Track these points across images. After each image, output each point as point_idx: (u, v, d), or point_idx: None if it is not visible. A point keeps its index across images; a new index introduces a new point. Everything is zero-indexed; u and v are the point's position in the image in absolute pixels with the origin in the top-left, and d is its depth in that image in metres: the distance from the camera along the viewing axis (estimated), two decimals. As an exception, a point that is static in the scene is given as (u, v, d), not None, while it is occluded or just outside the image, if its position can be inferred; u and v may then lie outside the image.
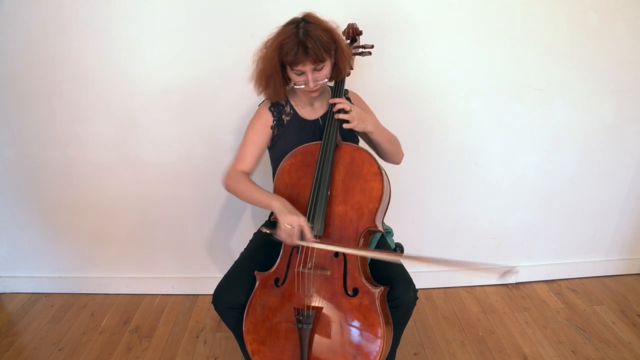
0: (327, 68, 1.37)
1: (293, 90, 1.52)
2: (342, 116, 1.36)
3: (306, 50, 1.29)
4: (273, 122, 1.51)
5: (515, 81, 1.98)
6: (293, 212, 1.29)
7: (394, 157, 1.55)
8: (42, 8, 1.80)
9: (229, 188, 1.47)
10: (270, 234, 1.33)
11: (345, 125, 1.37)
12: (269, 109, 1.51)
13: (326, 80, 1.40)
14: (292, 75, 1.38)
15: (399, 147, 1.55)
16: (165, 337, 2.00)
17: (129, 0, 1.80)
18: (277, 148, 1.52)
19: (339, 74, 1.46)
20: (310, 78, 1.35)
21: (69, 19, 1.82)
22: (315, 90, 1.41)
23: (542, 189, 2.18)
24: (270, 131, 1.51)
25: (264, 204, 1.38)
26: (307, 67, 1.33)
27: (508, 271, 1.13)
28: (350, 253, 1.30)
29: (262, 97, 1.54)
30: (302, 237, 1.27)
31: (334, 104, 1.38)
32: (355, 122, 1.36)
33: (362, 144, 1.53)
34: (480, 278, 2.30)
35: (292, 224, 1.26)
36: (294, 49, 1.29)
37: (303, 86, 1.39)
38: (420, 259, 1.30)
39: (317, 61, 1.32)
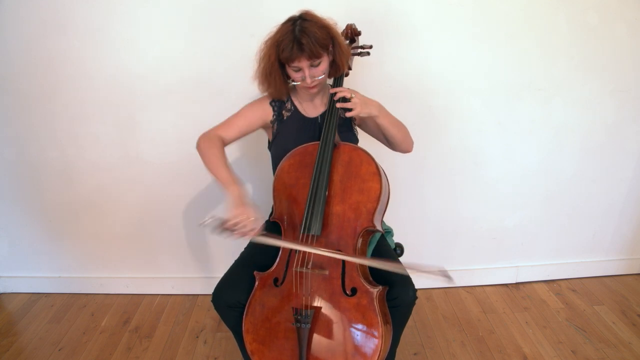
0: (324, 64, 1.38)
1: (295, 88, 1.53)
2: (344, 104, 1.36)
3: (301, 46, 1.30)
4: (273, 116, 1.52)
5: (515, 81, 1.97)
6: (242, 204, 1.24)
7: (404, 144, 1.53)
8: (41, 8, 1.81)
9: (200, 147, 1.42)
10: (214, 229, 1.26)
11: (348, 114, 1.37)
12: (270, 102, 1.52)
13: (323, 76, 1.41)
14: (290, 72, 1.39)
15: (406, 132, 1.53)
16: (165, 337, 2.00)
17: (128, 1, 1.80)
18: (277, 144, 1.52)
19: (337, 71, 1.46)
20: (307, 74, 1.36)
21: (68, 19, 1.83)
22: (314, 87, 1.41)
23: (542, 189, 2.18)
24: (265, 121, 1.52)
25: (222, 183, 1.33)
26: (303, 64, 1.34)
27: (445, 274, 1.12)
28: (313, 252, 1.29)
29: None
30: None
31: (334, 94, 1.38)
32: (358, 108, 1.36)
33: (365, 142, 1.53)
34: (479, 278, 2.31)
35: (235, 218, 1.21)
36: (289, 46, 1.31)
37: (300, 82, 1.40)
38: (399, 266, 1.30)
39: (313, 57, 1.33)
